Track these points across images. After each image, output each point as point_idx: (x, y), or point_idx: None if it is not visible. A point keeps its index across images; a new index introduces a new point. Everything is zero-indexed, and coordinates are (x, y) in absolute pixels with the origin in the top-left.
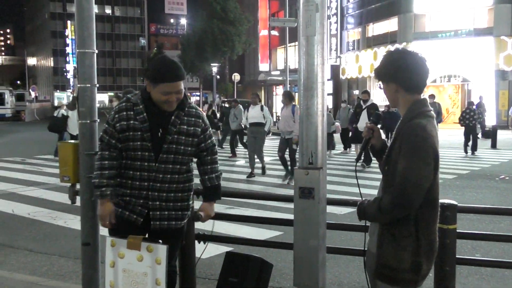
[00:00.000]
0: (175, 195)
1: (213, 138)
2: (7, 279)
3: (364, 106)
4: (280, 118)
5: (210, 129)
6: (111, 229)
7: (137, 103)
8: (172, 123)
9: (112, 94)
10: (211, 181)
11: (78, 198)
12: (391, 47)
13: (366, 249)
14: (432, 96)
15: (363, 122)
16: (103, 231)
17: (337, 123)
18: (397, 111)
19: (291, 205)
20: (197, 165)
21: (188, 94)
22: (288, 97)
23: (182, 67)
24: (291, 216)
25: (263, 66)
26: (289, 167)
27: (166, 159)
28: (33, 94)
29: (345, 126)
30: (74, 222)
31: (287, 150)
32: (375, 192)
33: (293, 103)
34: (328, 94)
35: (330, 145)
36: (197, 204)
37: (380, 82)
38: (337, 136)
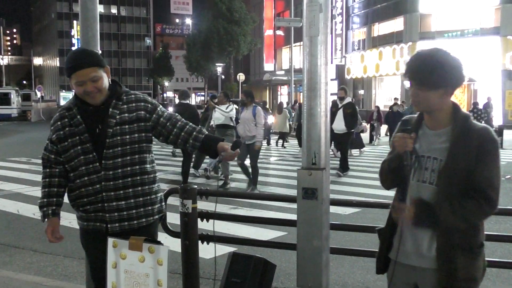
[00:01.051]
0: (134, 190)
1: (170, 112)
2: (13, 279)
3: (340, 105)
4: (239, 121)
5: (165, 110)
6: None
7: (70, 107)
8: (111, 115)
9: None
10: (197, 139)
11: None
12: (397, 47)
13: (406, 263)
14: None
15: (338, 122)
16: None
17: (364, 123)
18: (405, 111)
19: (294, 205)
20: (180, 146)
21: (193, 94)
22: (249, 97)
23: (95, 54)
24: (295, 217)
25: (268, 66)
26: (251, 176)
27: (112, 154)
28: (39, 94)
29: None
30: None
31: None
32: (379, 192)
33: (254, 104)
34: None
35: (360, 144)
36: (200, 204)
37: (413, 87)
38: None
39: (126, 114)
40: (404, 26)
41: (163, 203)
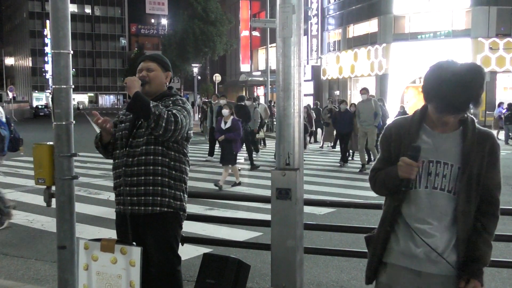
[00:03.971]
0: (146, 179)
1: (176, 110)
2: None
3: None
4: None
5: (179, 106)
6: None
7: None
8: None
9: (92, 94)
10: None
11: (54, 201)
12: (372, 48)
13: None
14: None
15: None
16: (80, 234)
17: None
18: (347, 110)
19: (269, 206)
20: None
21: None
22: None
23: (165, 58)
24: (269, 217)
25: (244, 67)
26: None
27: (135, 143)
28: (10, 94)
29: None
30: (51, 225)
31: None
32: (354, 192)
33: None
34: (307, 95)
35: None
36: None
37: (445, 114)
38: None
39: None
40: (378, 28)
41: (179, 202)
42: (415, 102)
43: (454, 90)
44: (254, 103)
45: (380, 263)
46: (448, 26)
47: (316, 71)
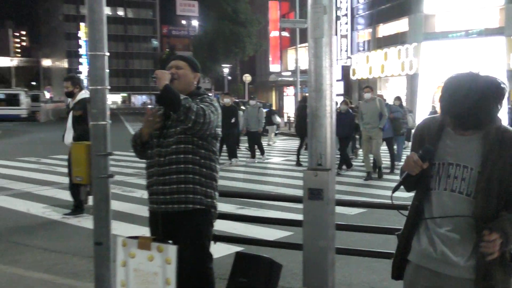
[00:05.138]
0: (178, 177)
1: (205, 105)
2: (23, 276)
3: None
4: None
5: (206, 103)
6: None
7: None
8: None
9: (125, 94)
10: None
11: (90, 198)
12: (402, 48)
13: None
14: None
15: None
16: (114, 230)
17: (279, 119)
18: (348, 112)
19: (300, 205)
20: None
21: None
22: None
23: (194, 59)
24: (300, 217)
25: (274, 67)
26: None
27: (166, 143)
28: (48, 95)
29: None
30: (87, 221)
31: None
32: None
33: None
34: (338, 95)
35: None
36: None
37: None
38: None
39: None
40: (409, 27)
41: (210, 199)
42: None
43: (468, 111)
44: (258, 103)
45: (404, 260)
46: (481, 24)
47: (345, 71)
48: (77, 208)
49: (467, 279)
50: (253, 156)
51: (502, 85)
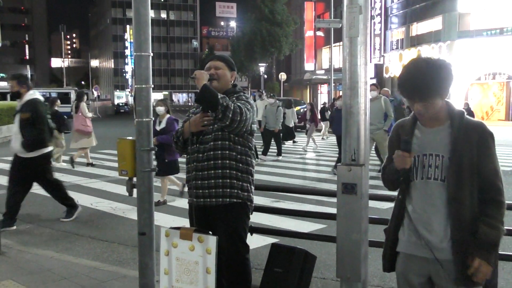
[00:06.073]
0: (215, 172)
1: (241, 103)
2: (73, 263)
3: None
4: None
5: (243, 101)
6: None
7: None
8: None
9: (166, 93)
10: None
11: (135, 191)
12: (435, 46)
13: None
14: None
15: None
16: (156, 221)
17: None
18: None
19: (333, 199)
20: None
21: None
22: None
23: (230, 59)
24: (333, 210)
25: (309, 66)
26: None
27: (204, 140)
28: (95, 93)
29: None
30: (131, 212)
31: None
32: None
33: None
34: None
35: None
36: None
37: (415, 103)
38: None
39: None
40: (443, 25)
41: (246, 193)
42: (480, 99)
43: (409, 80)
44: (277, 101)
45: (393, 253)
46: None
47: (378, 69)
48: (71, 208)
49: (451, 260)
50: (264, 153)
51: (443, 60)
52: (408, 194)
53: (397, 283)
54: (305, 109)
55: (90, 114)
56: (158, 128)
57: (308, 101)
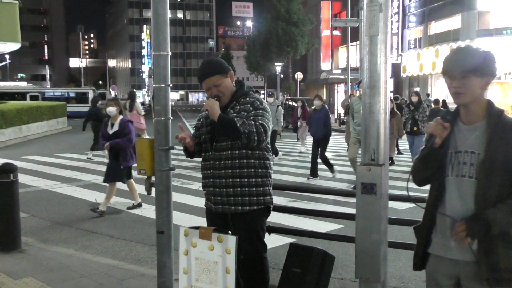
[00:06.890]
0: (234, 181)
1: (261, 118)
2: (92, 261)
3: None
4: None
5: (260, 111)
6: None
7: None
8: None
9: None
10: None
11: (153, 190)
12: (454, 45)
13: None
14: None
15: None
16: (174, 220)
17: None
18: (324, 108)
19: (350, 199)
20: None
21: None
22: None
23: (217, 63)
24: (351, 210)
25: (325, 65)
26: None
27: (220, 147)
28: (113, 93)
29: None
30: (149, 211)
31: None
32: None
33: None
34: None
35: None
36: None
37: (457, 78)
38: None
39: (235, 114)
40: (462, 24)
41: (267, 197)
42: (499, 99)
43: (451, 56)
44: (276, 101)
45: (426, 253)
46: None
47: (396, 69)
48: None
49: (477, 262)
50: (275, 153)
51: (488, 53)
52: (441, 192)
53: (426, 283)
54: (297, 107)
55: (143, 112)
56: (110, 131)
57: (323, 100)
